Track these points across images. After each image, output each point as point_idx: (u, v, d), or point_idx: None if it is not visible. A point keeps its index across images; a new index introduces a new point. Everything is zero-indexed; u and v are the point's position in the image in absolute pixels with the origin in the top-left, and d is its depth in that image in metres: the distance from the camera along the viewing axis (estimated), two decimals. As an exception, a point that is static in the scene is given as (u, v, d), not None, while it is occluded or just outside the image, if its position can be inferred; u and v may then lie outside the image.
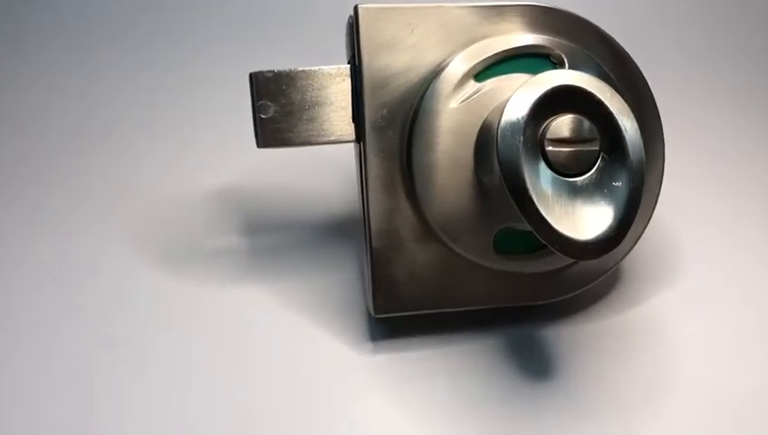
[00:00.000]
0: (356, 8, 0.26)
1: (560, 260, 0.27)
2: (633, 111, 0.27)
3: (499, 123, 0.23)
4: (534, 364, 0.27)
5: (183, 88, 0.37)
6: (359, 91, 0.26)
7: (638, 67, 0.28)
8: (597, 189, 0.23)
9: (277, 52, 0.36)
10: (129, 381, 0.26)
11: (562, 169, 0.23)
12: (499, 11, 0.27)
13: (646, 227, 0.28)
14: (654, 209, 0.28)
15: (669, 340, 0.28)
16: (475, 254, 0.26)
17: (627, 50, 0.28)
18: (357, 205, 0.32)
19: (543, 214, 0.22)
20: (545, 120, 0.23)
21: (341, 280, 0.29)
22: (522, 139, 0.23)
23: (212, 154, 0.34)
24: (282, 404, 0.25)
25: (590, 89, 0.23)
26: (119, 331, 0.27)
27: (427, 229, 0.26)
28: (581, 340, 0.28)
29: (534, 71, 0.26)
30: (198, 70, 0.38)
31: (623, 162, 0.23)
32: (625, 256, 0.28)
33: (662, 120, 0.28)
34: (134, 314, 0.28)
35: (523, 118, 0.23)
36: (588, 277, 0.28)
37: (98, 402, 0.25)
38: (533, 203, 0.22)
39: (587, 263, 0.28)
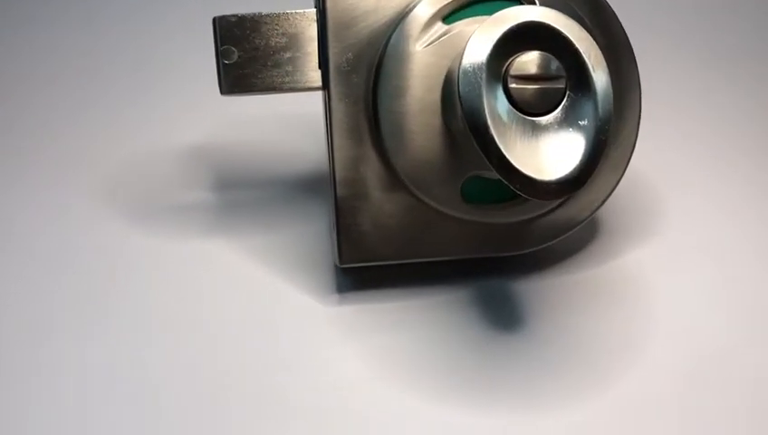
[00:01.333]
0: (321, -53, 0.25)
1: (530, 210, 0.26)
2: (607, 56, 0.26)
3: (461, 61, 0.22)
4: (505, 317, 0.26)
5: (158, 40, 0.37)
6: (323, 34, 0.25)
7: (614, 13, 0.27)
8: (562, 128, 0.22)
9: None
10: (89, 330, 0.25)
11: (527, 107, 0.22)
12: None
13: (621, 177, 0.27)
14: (629, 160, 0.27)
15: (645, 294, 0.27)
16: (443, 203, 0.26)
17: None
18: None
19: (504, 153, 0.22)
20: (510, 57, 0.22)
21: (311, 233, 0.29)
22: (484, 76, 0.22)
23: (185, 108, 0.33)
24: (244, 356, 0.25)
25: (556, 25, 0.22)
26: (81, 280, 0.27)
27: (393, 178, 0.26)
28: (554, 293, 0.27)
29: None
30: (175, 20, 0.37)
31: (590, 100, 0.22)
32: (599, 207, 0.27)
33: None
34: (97, 264, 0.27)
35: (485, 54, 0.22)
36: (560, 229, 0.27)
37: (55, 352, 0.25)
38: (494, 141, 0.22)
39: (559, 214, 0.27)
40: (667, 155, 0.33)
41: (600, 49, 0.26)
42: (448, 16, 0.25)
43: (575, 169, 0.22)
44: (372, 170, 0.26)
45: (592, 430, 0.23)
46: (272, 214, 0.30)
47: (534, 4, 0.26)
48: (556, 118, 0.22)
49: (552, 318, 0.26)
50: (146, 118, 0.33)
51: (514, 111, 0.22)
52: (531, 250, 0.27)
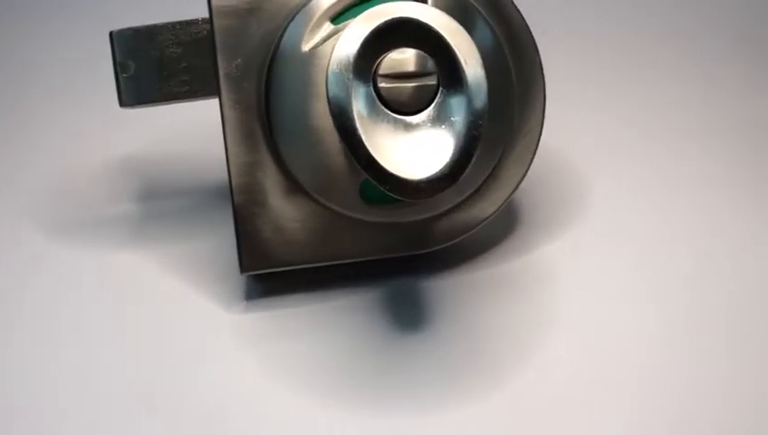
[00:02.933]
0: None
1: (432, 208, 0.26)
2: (508, 48, 0.25)
3: (330, 61, 0.22)
4: (412, 317, 0.26)
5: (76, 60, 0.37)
6: (211, 40, 0.25)
7: (513, 3, 0.26)
8: (434, 126, 0.22)
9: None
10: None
11: (399, 106, 0.22)
12: None
13: (527, 171, 0.26)
14: (535, 153, 0.26)
15: (555, 288, 0.26)
16: (343, 205, 0.25)
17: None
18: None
19: (372, 153, 0.21)
20: (379, 55, 0.22)
21: (225, 242, 0.29)
22: (351, 76, 0.22)
23: (107, 123, 0.34)
24: (148, 366, 0.25)
25: (425, 20, 0.22)
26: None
27: (291, 182, 0.26)
28: (464, 290, 0.26)
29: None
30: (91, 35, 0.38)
31: (462, 96, 0.22)
32: (505, 201, 0.26)
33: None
34: (11, 275, 0.28)
35: (352, 54, 0.22)
36: (466, 226, 0.26)
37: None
38: (362, 142, 0.21)
39: (465, 210, 0.26)
40: (581, 143, 0.32)
41: (502, 41, 0.25)
42: (337, 17, 0.25)
43: (445, 166, 0.21)
44: (269, 176, 0.26)
45: (491, 428, 0.23)
46: (188, 224, 0.30)
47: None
48: (429, 116, 0.22)
49: (458, 316, 0.26)
50: (68, 133, 0.34)
51: (385, 110, 0.22)
52: (437, 248, 0.26)
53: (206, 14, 0.26)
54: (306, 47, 0.25)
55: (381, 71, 0.22)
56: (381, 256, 0.26)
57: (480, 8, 0.25)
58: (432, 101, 0.22)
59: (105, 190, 0.31)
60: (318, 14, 0.25)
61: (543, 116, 0.26)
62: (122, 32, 0.27)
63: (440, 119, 0.22)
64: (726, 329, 0.25)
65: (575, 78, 0.35)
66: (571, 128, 0.32)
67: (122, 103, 0.27)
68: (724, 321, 0.25)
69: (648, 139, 0.32)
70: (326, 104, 0.24)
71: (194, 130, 0.33)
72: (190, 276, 0.28)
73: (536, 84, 0.26)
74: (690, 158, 0.31)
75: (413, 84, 0.22)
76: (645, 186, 0.30)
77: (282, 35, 0.25)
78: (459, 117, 0.22)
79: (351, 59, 0.22)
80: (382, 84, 0.22)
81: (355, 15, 0.25)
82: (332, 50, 0.22)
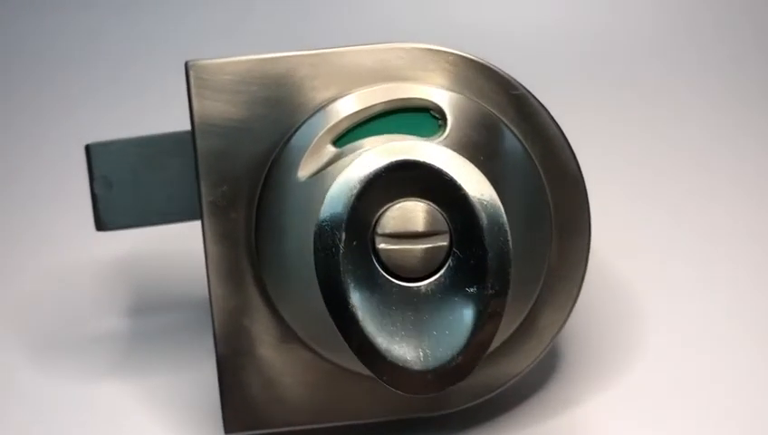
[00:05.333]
0: (186, 65, 0.21)
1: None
2: (540, 164, 0.21)
3: (320, 212, 0.18)
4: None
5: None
6: (195, 163, 0.22)
7: (550, 117, 0.22)
8: (445, 298, 0.18)
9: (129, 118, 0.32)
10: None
11: (401, 271, 0.18)
12: (356, 58, 0.21)
13: (565, 320, 0.22)
14: (577, 297, 0.22)
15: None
16: (346, 358, 0.21)
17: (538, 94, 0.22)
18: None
19: (369, 335, 0.17)
20: (380, 208, 0.18)
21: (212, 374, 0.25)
22: (343, 237, 0.18)
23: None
24: None
25: (435, 163, 0.18)
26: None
27: (285, 329, 0.22)
28: (488, 459, 0.22)
29: (413, 130, 0.21)
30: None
31: (481, 261, 0.18)
32: (538, 357, 0.22)
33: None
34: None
35: (345, 208, 0.18)
36: (491, 384, 0.22)
37: None
38: (356, 321, 0.17)
39: (489, 366, 0.22)
40: (628, 270, 0.27)
41: (536, 161, 0.21)
42: (340, 138, 0.21)
43: (458, 353, 0.17)
44: (259, 322, 0.22)
45: None
46: (175, 346, 0.26)
47: (445, 117, 0.21)
48: (438, 284, 0.18)
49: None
50: (41, 238, 0.30)
51: (386, 276, 0.18)
52: (449, 411, 0.22)
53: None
54: (304, 174, 0.21)
55: (380, 228, 0.18)
56: (389, 419, 0.22)
57: (507, 122, 0.21)
58: (443, 266, 0.18)
59: (87, 301, 0.28)
60: (318, 134, 0.21)
61: (588, 254, 0.22)
62: (99, 145, 0.23)
63: (453, 289, 0.18)
64: None
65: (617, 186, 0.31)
66: (617, 255, 0.27)
67: (99, 227, 0.23)
68: None
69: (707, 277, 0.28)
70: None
71: (188, 229, 0.30)
72: (171, 417, 0.24)
73: (579, 214, 0.22)
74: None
75: (420, 246, 0.18)
76: (705, 318, 0.25)
77: (275, 159, 0.21)
78: (476, 288, 0.17)
79: (344, 214, 0.18)
80: (382, 245, 0.18)
81: (360, 136, 0.21)
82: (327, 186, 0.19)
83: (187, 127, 0.23)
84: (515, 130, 0.21)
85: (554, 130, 0.22)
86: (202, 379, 0.25)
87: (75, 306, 0.28)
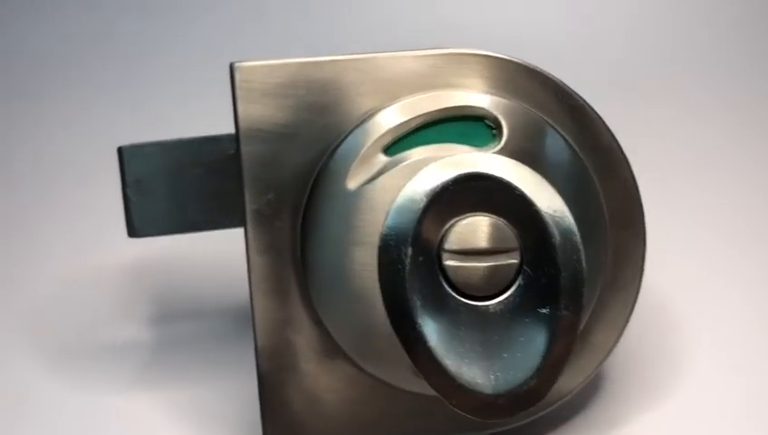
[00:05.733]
0: (232, 67, 0.21)
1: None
2: (597, 177, 0.20)
3: (384, 226, 0.17)
4: None
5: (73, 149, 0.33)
6: (239, 169, 0.21)
7: (607, 128, 0.21)
8: (516, 318, 0.17)
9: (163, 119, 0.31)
10: None
11: (468, 289, 0.17)
12: (408, 64, 0.21)
13: (620, 336, 0.21)
14: (629, 317, 0.21)
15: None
16: (392, 374, 0.21)
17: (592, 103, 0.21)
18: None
19: (438, 356, 0.16)
20: (446, 222, 0.17)
21: (245, 389, 0.24)
22: (409, 252, 0.17)
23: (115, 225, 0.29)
24: None
25: (505, 177, 0.17)
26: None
27: (330, 344, 0.21)
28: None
29: (466, 139, 0.20)
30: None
31: (553, 280, 0.17)
32: (591, 374, 0.21)
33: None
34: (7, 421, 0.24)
35: (411, 222, 0.17)
36: (544, 402, 0.21)
37: None
38: (423, 341, 0.17)
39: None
40: (681, 288, 0.27)
41: (593, 174, 0.21)
42: (391, 146, 0.20)
43: (531, 375, 0.17)
44: (303, 336, 0.21)
45: None
46: (203, 358, 0.25)
47: (501, 126, 0.20)
48: (508, 304, 0.17)
49: None
50: (68, 235, 0.29)
51: (454, 295, 0.17)
52: (505, 429, 0.22)
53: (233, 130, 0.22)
54: (353, 184, 0.20)
55: (447, 244, 0.17)
56: (435, 437, 0.21)
57: (563, 132, 0.21)
58: (512, 284, 0.17)
59: (109, 307, 0.27)
60: (367, 143, 0.20)
61: (643, 267, 0.21)
62: (134, 148, 0.22)
63: (523, 309, 0.17)
64: None
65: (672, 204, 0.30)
66: (670, 271, 0.27)
67: (132, 233, 0.22)
68: None
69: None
70: (373, 253, 0.20)
71: (216, 235, 0.29)
72: (201, 433, 0.23)
73: (635, 227, 0.21)
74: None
75: (489, 263, 0.17)
76: (748, 351, 0.25)
77: (322, 167, 0.20)
78: (549, 308, 0.17)
79: (410, 229, 0.17)
80: (449, 262, 0.17)
81: (411, 146, 0.20)
82: (380, 190, 0.18)
83: (227, 130, 0.22)
84: (572, 141, 0.21)
85: (611, 141, 0.21)
86: (233, 392, 0.24)
87: (96, 313, 0.27)
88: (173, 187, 0.22)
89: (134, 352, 0.26)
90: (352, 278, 0.20)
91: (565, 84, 0.21)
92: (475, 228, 0.17)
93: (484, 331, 0.17)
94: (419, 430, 0.21)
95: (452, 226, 0.17)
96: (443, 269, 0.17)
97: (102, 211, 0.29)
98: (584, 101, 0.21)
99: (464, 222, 0.17)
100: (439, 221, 0.17)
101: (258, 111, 0.20)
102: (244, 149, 0.20)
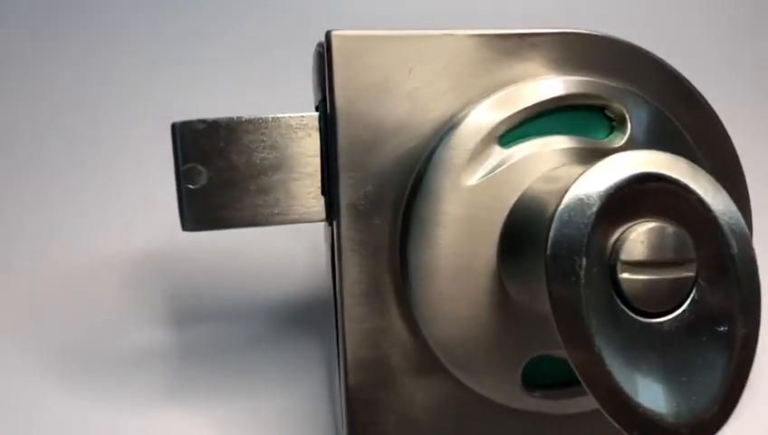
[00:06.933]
0: (328, 35, 0.18)
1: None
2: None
3: (549, 236, 0.15)
4: None
5: (103, 131, 0.28)
6: (331, 155, 0.18)
7: (728, 137, 0.20)
8: (691, 337, 0.15)
9: (219, 89, 0.27)
10: None
11: (642, 305, 0.15)
12: (529, 42, 0.18)
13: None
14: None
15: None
16: (498, 391, 0.19)
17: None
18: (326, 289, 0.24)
19: (618, 382, 0.15)
20: (618, 229, 0.15)
21: (304, 399, 0.21)
22: (584, 263, 0.15)
23: (138, 215, 0.25)
24: None
25: (684, 180, 0.15)
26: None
27: (427, 357, 0.19)
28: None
29: (584, 131, 0.18)
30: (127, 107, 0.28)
31: (730, 294, 0.15)
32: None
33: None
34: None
35: (584, 229, 0.15)
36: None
37: None
38: (603, 365, 0.15)
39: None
40: None
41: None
42: (506, 135, 0.18)
43: (710, 404, 0.15)
44: (398, 346, 0.19)
45: None
46: (252, 367, 0.22)
47: (625, 118, 0.18)
48: (682, 321, 0.15)
49: None
50: (89, 225, 0.25)
51: (627, 311, 0.15)
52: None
53: (306, 110, 0.19)
54: (469, 178, 0.18)
55: (625, 254, 0.15)
56: (537, 457, 0.20)
57: (684, 130, 0.19)
58: (686, 298, 0.16)
59: (126, 306, 0.23)
60: (480, 134, 0.18)
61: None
62: (190, 125, 0.19)
63: (699, 326, 0.15)
64: None
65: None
66: None
67: (186, 226, 0.19)
68: None
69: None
70: (492, 257, 0.18)
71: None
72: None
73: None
74: None
75: (668, 276, 0.15)
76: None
77: (428, 158, 0.18)
78: (727, 326, 0.15)
79: (584, 235, 0.15)
80: (625, 274, 0.15)
81: (526, 135, 0.18)
82: (519, 186, 0.17)
83: (303, 111, 0.19)
84: (695, 146, 0.19)
85: (732, 152, 0.20)
86: (285, 406, 0.21)
87: (110, 315, 0.23)
88: (237, 174, 0.19)
89: (156, 360, 0.22)
90: (466, 281, 0.18)
91: (693, 86, 0.19)
92: (653, 236, 0.15)
93: (660, 351, 0.15)
94: (522, 450, 0.20)
95: (624, 233, 0.15)
96: (615, 282, 0.15)
97: (126, 200, 0.25)
98: (710, 107, 0.20)
99: (639, 229, 0.15)
100: (611, 228, 0.15)
101: (357, 90, 0.18)
102: (342, 132, 0.18)
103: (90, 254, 0.24)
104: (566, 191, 0.15)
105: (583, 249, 0.15)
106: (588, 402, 0.19)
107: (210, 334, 0.23)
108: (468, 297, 0.18)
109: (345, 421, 0.19)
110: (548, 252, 0.15)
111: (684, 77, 0.19)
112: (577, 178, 0.15)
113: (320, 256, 0.25)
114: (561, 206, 0.15)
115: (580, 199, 0.15)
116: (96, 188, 0.25)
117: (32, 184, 0.25)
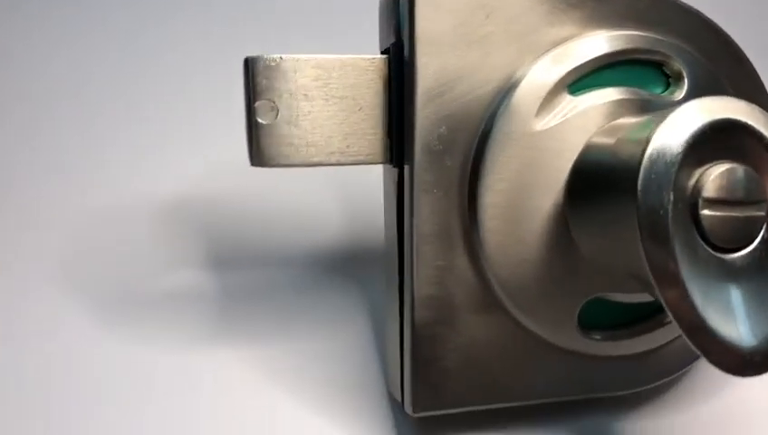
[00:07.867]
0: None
1: (661, 337, 0.20)
2: None
3: (639, 174, 0.16)
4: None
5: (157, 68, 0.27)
6: (406, 96, 0.18)
7: (756, 73, 0.21)
8: (761, 271, 0.16)
9: (289, 30, 0.26)
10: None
11: (720, 241, 0.16)
12: None
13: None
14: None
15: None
16: (554, 330, 0.19)
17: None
18: (373, 233, 0.24)
19: (701, 313, 0.16)
20: (700, 168, 0.16)
21: (349, 342, 0.22)
22: (671, 197, 0.16)
23: (181, 156, 0.25)
24: None
25: (758, 126, 0.16)
26: (39, 407, 0.19)
27: (489, 296, 0.19)
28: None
29: (643, 84, 0.19)
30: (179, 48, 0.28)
31: (798, 233, 0.16)
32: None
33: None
34: (61, 384, 0.20)
35: (672, 166, 0.16)
36: (687, 357, 0.21)
37: None
38: (688, 297, 0.15)
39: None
40: None
41: None
42: (574, 84, 0.19)
43: (783, 331, 0.16)
44: (462, 285, 0.19)
45: None
46: (294, 311, 0.22)
47: (682, 76, 0.19)
48: (754, 257, 0.16)
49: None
50: (130, 164, 0.25)
51: (705, 246, 0.16)
52: (656, 384, 0.21)
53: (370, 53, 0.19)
54: (540, 124, 0.18)
55: (705, 192, 0.16)
56: (586, 396, 0.21)
57: (730, 88, 0.20)
58: (756, 236, 0.17)
59: (169, 250, 0.23)
60: (550, 81, 0.18)
61: None
62: (263, 60, 0.19)
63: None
64: None
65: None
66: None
67: (255, 161, 0.19)
68: None
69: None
70: (559, 202, 0.18)
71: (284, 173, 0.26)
72: (303, 392, 0.21)
73: None
74: None
75: (744, 214, 0.16)
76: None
77: (500, 103, 0.18)
78: (795, 263, 0.16)
79: (673, 171, 0.16)
80: (705, 211, 0.16)
81: (593, 85, 0.19)
82: (586, 132, 0.18)
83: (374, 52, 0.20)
84: (735, 94, 0.20)
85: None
86: (330, 348, 0.22)
87: (149, 257, 0.23)
88: (309, 112, 0.19)
89: (199, 302, 0.22)
90: (532, 224, 0.18)
91: (753, 67, 0.20)
92: (730, 177, 0.16)
93: (733, 285, 0.16)
94: (569, 390, 0.20)
95: (705, 172, 0.16)
96: (696, 217, 0.16)
97: (155, 139, 0.25)
98: (743, 53, 0.21)
99: (719, 169, 0.16)
100: (692, 169, 0.16)
101: (437, 33, 0.18)
102: (421, 72, 0.18)
103: (133, 194, 0.23)
104: (652, 134, 0.16)
105: (671, 185, 0.16)
106: (633, 345, 0.20)
107: (252, 278, 0.23)
108: (534, 238, 0.19)
109: (408, 356, 0.19)
110: (639, 187, 0.16)
111: (728, 35, 0.21)
112: (660, 122, 0.16)
113: (356, 205, 0.25)
114: (650, 148, 0.16)
115: (667, 142, 0.16)
116: (142, 128, 0.24)
117: (75, 114, 0.24)
